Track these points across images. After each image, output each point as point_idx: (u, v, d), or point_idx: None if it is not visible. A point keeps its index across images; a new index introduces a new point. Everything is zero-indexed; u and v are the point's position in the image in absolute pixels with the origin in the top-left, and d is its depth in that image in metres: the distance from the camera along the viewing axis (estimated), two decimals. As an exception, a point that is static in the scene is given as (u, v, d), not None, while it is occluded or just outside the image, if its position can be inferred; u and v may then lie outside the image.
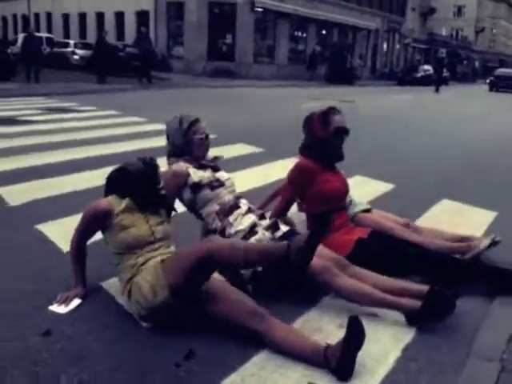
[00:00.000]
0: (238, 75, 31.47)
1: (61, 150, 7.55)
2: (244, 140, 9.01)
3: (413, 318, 3.14)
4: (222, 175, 3.70)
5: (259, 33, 34.53)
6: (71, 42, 32.53)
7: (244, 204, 3.64)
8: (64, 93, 16.88)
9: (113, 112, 12.39)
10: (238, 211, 3.55)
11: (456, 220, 5.22)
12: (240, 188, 5.78)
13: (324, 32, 41.19)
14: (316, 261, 3.21)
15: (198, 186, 3.52)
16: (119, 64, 26.24)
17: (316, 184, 3.84)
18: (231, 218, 3.51)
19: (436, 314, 3.10)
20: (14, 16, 47.21)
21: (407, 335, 3.05)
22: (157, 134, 8.94)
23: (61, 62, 30.98)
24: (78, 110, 12.72)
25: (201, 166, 3.62)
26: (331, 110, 3.92)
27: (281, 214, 3.89)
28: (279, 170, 6.73)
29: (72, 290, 3.21)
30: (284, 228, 3.57)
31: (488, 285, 3.63)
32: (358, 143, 9.47)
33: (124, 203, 3.09)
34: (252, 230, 3.46)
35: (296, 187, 3.90)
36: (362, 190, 6.01)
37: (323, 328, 3.09)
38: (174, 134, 3.60)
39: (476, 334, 3.08)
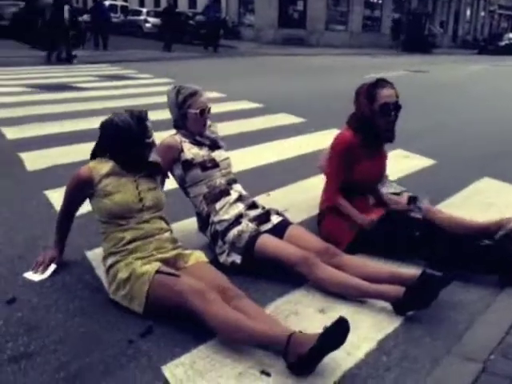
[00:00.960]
0: (308, 43, 30.85)
1: (101, 117, 7.57)
2: (289, 110, 8.75)
3: (398, 307, 2.89)
4: (219, 155, 3.49)
5: (332, -1, 33.61)
6: (144, 10, 32.88)
7: (235, 191, 3.44)
8: (127, 60, 17.10)
9: (166, 80, 12.38)
10: (227, 199, 3.36)
11: (492, 200, 4.83)
12: (265, 160, 5.73)
13: (402, -1, 39.57)
14: (294, 251, 3.08)
15: (189, 164, 3.35)
16: (186, 32, 26.35)
17: (350, 165, 3.59)
18: (218, 205, 3.33)
19: (420, 299, 2.83)
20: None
21: (390, 325, 2.81)
22: (210, 101, 8.85)
23: (134, 30, 31.50)
24: (134, 78, 12.83)
25: (198, 143, 3.45)
26: (379, 83, 3.57)
27: (334, 201, 3.61)
28: (314, 142, 6.54)
29: (47, 253, 3.15)
30: (275, 219, 3.39)
31: (501, 274, 3.30)
32: (409, 116, 9.07)
33: (108, 166, 2.91)
34: (237, 220, 3.28)
35: (343, 162, 3.58)
36: (402, 164, 5.77)
37: (300, 311, 2.90)
38: (171, 105, 3.43)
39: (468, 328, 2.80)
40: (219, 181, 3.40)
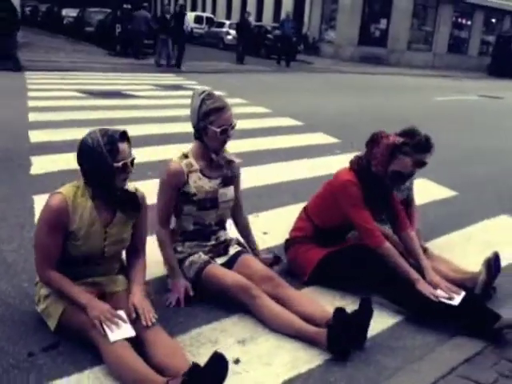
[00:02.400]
0: (388, 62, 30.27)
1: (139, 125, 7.80)
2: (328, 130, 8.60)
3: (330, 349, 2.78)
4: (224, 193, 3.28)
5: (417, 18, 32.80)
6: (227, 22, 33.49)
7: (217, 237, 3.34)
8: (195, 71, 17.43)
9: (221, 92, 12.48)
10: (203, 243, 3.28)
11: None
12: (280, 178, 5.68)
13: (493, 20, 38.06)
14: (237, 280, 3.03)
15: (187, 198, 3.17)
16: (263, 46, 26.61)
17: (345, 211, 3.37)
18: (189, 243, 3.27)
19: (343, 339, 2.75)
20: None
21: (306, 365, 2.71)
22: (249, 116, 9.26)
23: (215, 42, 32.17)
24: (191, 89, 13.04)
25: (209, 175, 3.23)
26: (403, 147, 3.28)
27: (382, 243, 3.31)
28: (329, 164, 6.41)
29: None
30: (233, 250, 3.34)
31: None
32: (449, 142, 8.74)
33: (83, 200, 2.64)
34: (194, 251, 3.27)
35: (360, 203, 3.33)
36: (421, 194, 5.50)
37: (220, 340, 2.84)
38: (193, 111, 3.12)
39: (390, 377, 2.63)
40: (209, 221, 3.29)
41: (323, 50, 32.35)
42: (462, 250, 4.27)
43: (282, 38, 22.59)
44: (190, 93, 11.70)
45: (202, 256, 3.22)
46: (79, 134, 6.75)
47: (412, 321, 3.19)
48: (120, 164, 2.56)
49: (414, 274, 3.22)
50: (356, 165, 3.40)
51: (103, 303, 2.57)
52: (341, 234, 3.57)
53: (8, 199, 4.49)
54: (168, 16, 17.86)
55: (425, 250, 3.67)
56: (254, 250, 3.48)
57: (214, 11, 43.44)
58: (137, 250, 2.89)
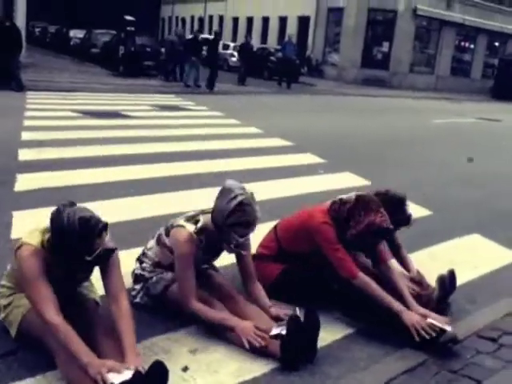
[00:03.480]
0: (390, 85, 30.52)
1: (132, 144, 8.03)
2: (317, 150, 8.75)
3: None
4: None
5: (419, 41, 33.12)
6: (231, 44, 33.93)
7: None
8: (196, 92, 17.70)
9: (217, 113, 12.75)
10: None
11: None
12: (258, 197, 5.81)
13: (497, 44, 38.35)
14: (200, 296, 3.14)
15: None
16: (266, 68, 26.97)
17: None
18: (160, 270, 3.35)
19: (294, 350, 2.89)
20: (192, 18, 50.45)
21: (251, 373, 2.83)
22: (239, 136, 9.72)
23: (220, 64, 32.49)
24: (188, 109, 13.30)
25: (207, 251, 3.27)
26: (378, 211, 3.27)
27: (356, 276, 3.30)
28: (310, 184, 6.58)
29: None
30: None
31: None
32: (440, 164, 8.94)
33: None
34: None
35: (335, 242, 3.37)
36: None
37: (173, 350, 2.96)
38: (219, 211, 3.00)
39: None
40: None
41: (327, 72, 32.69)
42: (426, 268, 4.37)
43: (284, 61, 22.92)
44: (185, 113, 12.14)
45: (168, 274, 3.32)
46: (68, 153, 7.04)
47: (363, 333, 3.31)
48: (90, 258, 2.54)
49: (396, 305, 3.22)
50: (334, 213, 3.41)
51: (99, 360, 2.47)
52: (304, 260, 3.62)
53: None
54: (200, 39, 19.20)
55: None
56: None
57: (220, 33, 44.06)
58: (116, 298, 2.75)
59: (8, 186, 5.42)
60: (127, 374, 2.33)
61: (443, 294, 3.61)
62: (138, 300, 3.37)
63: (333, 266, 3.35)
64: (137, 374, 2.34)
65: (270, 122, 11.66)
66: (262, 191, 6.08)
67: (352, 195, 3.48)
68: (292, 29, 36.22)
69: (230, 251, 3.17)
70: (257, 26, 40.93)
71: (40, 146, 7.35)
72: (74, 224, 2.45)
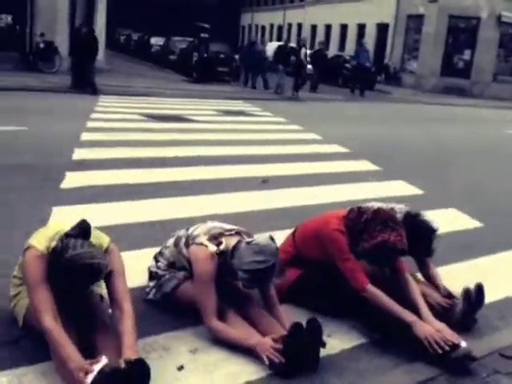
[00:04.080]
0: (471, 94, 29.42)
1: (186, 147, 8.19)
2: (373, 158, 8.54)
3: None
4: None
5: (504, 49, 31.76)
6: (308, 51, 33.82)
7: None
8: (264, 98, 17.79)
9: (280, 119, 12.74)
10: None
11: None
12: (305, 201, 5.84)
13: None
14: (212, 304, 3.07)
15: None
16: (341, 75, 26.75)
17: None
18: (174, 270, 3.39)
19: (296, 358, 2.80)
20: (271, 26, 50.88)
21: (244, 377, 2.75)
22: (298, 142, 9.77)
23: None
24: (252, 114, 13.40)
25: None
26: (395, 229, 3.13)
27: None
28: (360, 191, 6.45)
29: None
30: None
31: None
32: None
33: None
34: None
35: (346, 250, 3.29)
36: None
37: (173, 347, 2.95)
38: (242, 251, 2.97)
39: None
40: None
41: (404, 80, 31.95)
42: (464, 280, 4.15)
43: (358, 68, 22.64)
44: (247, 118, 12.38)
45: (182, 273, 3.33)
46: (122, 153, 7.23)
47: (377, 344, 3.18)
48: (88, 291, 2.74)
49: (409, 316, 3.09)
50: (350, 221, 3.30)
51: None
52: (319, 266, 3.51)
53: (28, 208, 4.84)
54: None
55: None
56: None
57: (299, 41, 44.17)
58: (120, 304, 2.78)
59: (55, 183, 5.62)
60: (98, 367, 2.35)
61: (468, 309, 3.40)
62: (150, 296, 3.39)
63: (343, 275, 3.24)
64: (115, 369, 2.34)
65: (332, 129, 11.51)
66: (308, 196, 6.14)
67: (372, 206, 3.36)
68: (370, 36, 35.75)
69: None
70: (335, 34, 40.74)
71: (96, 146, 7.61)
72: (76, 269, 2.52)
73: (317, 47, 25.38)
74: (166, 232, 3.97)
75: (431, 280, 3.70)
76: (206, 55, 20.09)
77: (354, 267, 3.22)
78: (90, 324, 2.75)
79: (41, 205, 4.91)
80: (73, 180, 5.81)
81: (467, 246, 5.00)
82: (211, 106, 14.25)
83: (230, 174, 6.80)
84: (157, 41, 32.76)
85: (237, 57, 23.40)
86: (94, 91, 14.27)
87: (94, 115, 10.43)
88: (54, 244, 2.67)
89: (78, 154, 6.96)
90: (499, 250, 5.01)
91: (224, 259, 3.08)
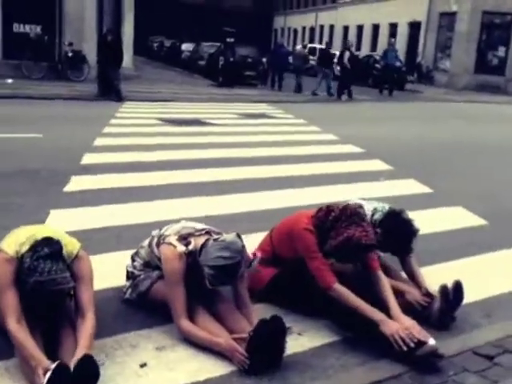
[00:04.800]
0: (505, 91, 28.76)
1: (203, 150, 8.32)
2: (387, 158, 8.44)
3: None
4: None
5: (541, 45, 30.95)
6: (337, 52, 33.65)
7: None
8: (291, 101, 17.79)
9: (301, 121, 12.74)
10: None
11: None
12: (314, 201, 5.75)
13: None
14: (181, 304, 3.10)
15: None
16: (368, 75, 26.58)
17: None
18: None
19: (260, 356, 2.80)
20: (303, 28, 50.84)
21: (204, 374, 2.78)
22: (316, 143, 9.81)
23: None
24: (272, 117, 13.42)
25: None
26: (360, 225, 3.11)
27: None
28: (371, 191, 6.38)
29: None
30: None
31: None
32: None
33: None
34: None
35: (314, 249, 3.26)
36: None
37: (141, 345, 3.00)
38: (208, 248, 3.00)
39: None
40: None
41: (437, 78, 31.47)
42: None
43: (386, 68, 22.44)
44: (268, 121, 12.45)
45: (155, 272, 3.36)
46: (131, 157, 7.30)
47: (348, 342, 3.15)
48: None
49: (376, 315, 3.06)
50: (318, 220, 3.28)
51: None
52: (295, 265, 3.45)
53: (27, 210, 4.96)
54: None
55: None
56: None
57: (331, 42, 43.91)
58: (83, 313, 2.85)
59: (59, 187, 5.73)
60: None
61: (446, 307, 3.34)
62: (127, 296, 3.44)
63: (311, 274, 3.23)
64: (59, 364, 2.40)
65: (351, 130, 11.43)
66: (316, 196, 6.09)
67: (340, 204, 3.34)
68: (402, 35, 35.40)
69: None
70: (366, 34, 40.44)
71: (107, 150, 7.73)
72: (39, 293, 2.62)
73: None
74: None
75: (413, 278, 3.65)
76: (231, 59, 20.18)
77: (321, 266, 3.20)
78: (55, 322, 2.82)
79: (40, 208, 5.02)
80: (76, 184, 5.92)
81: (469, 244, 4.93)
82: (233, 109, 14.34)
83: (244, 175, 6.89)
84: (187, 47, 33.03)
85: (264, 60, 23.45)
86: (119, 98, 14.49)
87: (112, 121, 10.61)
88: (24, 249, 2.75)
89: (87, 159, 7.09)
90: (500, 248, 4.90)
91: (193, 259, 3.09)
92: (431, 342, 2.89)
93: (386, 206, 3.72)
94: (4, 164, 6.70)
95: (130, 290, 3.45)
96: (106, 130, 9.49)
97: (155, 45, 44.23)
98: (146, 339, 3.05)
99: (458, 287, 3.39)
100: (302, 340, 3.14)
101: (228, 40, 20.25)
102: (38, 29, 17.99)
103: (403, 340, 2.89)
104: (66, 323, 2.82)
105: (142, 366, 2.81)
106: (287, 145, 9.33)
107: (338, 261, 3.29)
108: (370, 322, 3.05)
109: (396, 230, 3.46)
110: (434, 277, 3.76)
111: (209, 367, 2.83)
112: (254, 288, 3.53)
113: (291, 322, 3.27)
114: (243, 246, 3.02)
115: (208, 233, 3.24)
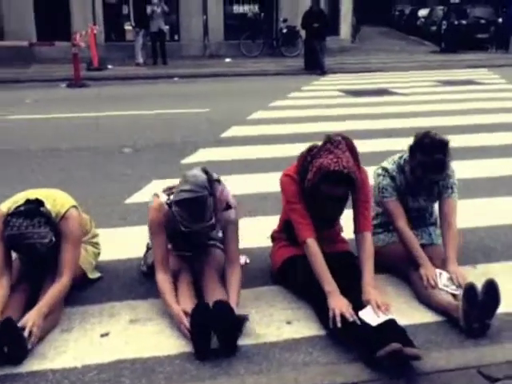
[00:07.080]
0: None
1: (375, 120, 7.97)
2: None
3: None
4: None
5: None
6: None
7: None
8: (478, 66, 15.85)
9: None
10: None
11: None
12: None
13: None
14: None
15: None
16: None
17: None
18: None
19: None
20: None
21: (160, 351, 2.69)
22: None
23: None
24: (480, 83, 12.14)
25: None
26: (332, 152, 2.78)
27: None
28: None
29: None
30: None
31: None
32: None
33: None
34: None
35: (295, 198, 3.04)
36: None
37: (116, 315, 3.01)
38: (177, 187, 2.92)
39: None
40: None
41: None
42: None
43: None
44: (472, 87, 11.15)
45: None
46: (280, 129, 7.16)
47: (332, 338, 2.72)
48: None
49: (328, 286, 2.77)
50: (300, 165, 2.99)
51: None
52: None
53: (134, 180, 5.26)
54: None
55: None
56: None
57: None
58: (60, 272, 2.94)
59: (179, 158, 5.93)
60: None
61: (471, 311, 2.66)
62: (143, 268, 3.48)
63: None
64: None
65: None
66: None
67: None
68: None
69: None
70: None
71: (258, 123, 7.76)
72: (14, 247, 2.86)
73: None
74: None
75: (444, 235, 3.19)
76: (456, 23, 18.57)
77: (299, 219, 2.98)
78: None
79: (146, 178, 5.28)
80: (198, 156, 6.05)
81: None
82: (435, 76, 13.29)
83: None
84: (423, 13, 31.28)
85: (500, 20, 21.08)
86: (323, 71, 14.39)
87: (292, 94, 10.60)
88: (14, 207, 2.90)
89: (230, 132, 7.21)
90: None
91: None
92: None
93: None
94: (149, 138, 7.07)
95: (142, 262, 3.48)
96: (275, 103, 9.52)
97: (396, 14, 42.81)
98: (129, 310, 3.04)
99: (490, 288, 2.67)
100: (285, 329, 2.84)
101: (452, 1, 18.63)
102: (256, 8, 18.78)
103: (345, 319, 2.57)
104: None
105: (103, 335, 2.81)
106: (484, 112, 8.47)
107: (318, 202, 2.93)
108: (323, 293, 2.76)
109: (420, 142, 3.06)
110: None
111: (163, 346, 2.72)
112: (272, 269, 3.40)
113: (288, 308, 3.00)
114: (210, 181, 2.81)
115: None
